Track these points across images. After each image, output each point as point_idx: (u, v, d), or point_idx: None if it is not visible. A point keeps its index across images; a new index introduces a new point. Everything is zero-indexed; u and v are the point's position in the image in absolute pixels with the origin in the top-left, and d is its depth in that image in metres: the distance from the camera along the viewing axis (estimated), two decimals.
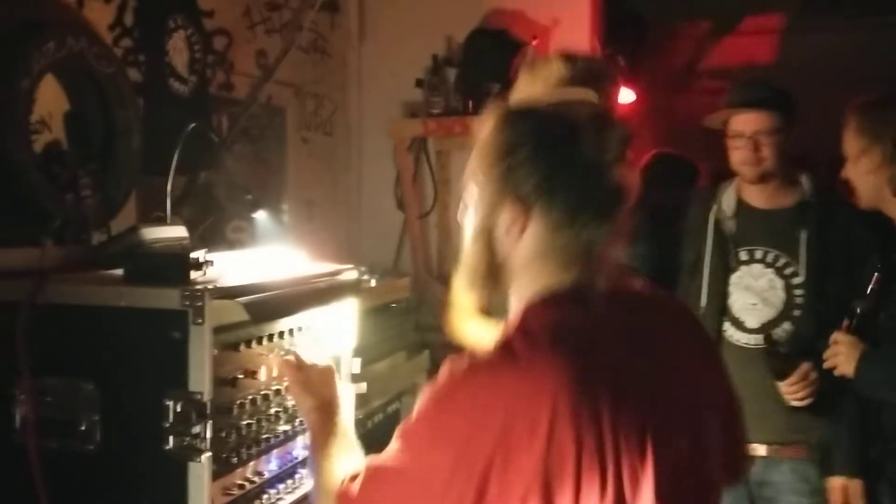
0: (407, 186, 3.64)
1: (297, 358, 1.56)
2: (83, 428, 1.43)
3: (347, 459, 1.35)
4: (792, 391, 2.25)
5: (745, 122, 2.38)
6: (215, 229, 2.62)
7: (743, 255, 2.43)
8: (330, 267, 1.82)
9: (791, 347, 2.31)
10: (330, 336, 1.79)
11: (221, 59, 2.98)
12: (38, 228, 1.99)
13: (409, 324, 2.39)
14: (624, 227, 1.22)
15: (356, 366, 1.89)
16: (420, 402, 1.18)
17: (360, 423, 1.90)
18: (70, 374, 1.44)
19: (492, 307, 1.49)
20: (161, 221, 1.87)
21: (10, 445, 1.43)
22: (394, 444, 1.19)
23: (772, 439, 2.34)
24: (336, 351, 1.82)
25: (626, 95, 3.58)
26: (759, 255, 2.42)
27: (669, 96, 4.47)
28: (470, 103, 3.40)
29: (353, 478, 1.23)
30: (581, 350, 1.13)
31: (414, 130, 3.56)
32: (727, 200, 2.49)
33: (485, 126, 1.26)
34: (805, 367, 2.24)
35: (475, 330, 2.14)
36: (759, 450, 2.35)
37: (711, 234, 2.45)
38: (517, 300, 1.24)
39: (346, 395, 1.83)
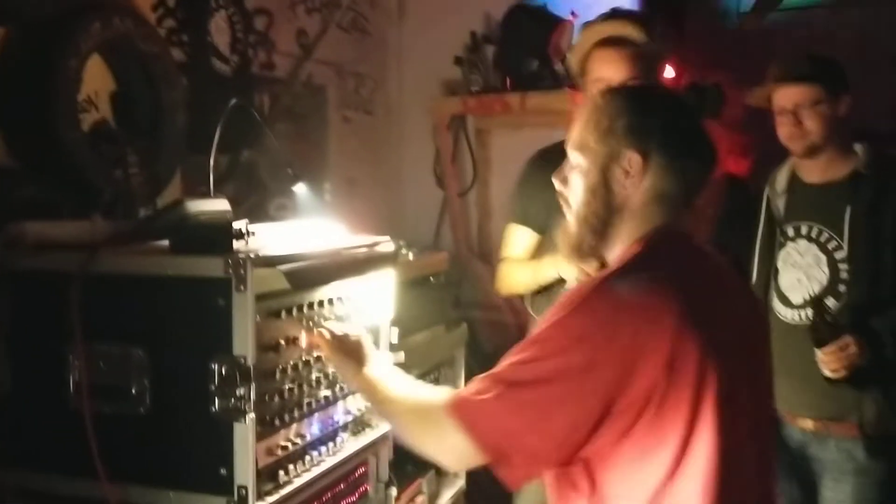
0: (446, 164, 3.66)
1: (330, 331, 1.61)
2: (134, 392, 1.50)
3: (420, 388, 1.48)
4: (828, 360, 2.21)
5: (786, 96, 2.34)
6: (259, 206, 2.69)
7: (790, 231, 2.41)
8: (367, 238, 1.86)
9: (838, 318, 2.27)
10: (368, 306, 1.83)
11: (263, 39, 3.03)
12: (87, 203, 2.08)
13: (447, 298, 2.42)
14: (710, 182, 1.48)
15: (394, 335, 1.93)
16: (551, 315, 1.34)
17: None
18: (121, 340, 1.50)
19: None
20: (205, 196, 1.91)
21: (65, 410, 1.50)
22: (517, 356, 1.33)
23: (819, 415, 2.33)
24: (374, 320, 1.86)
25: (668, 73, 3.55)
26: (804, 230, 2.39)
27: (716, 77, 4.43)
28: (508, 80, 3.40)
29: (468, 389, 1.35)
30: (683, 277, 1.36)
31: (453, 109, 3.58)
32: (780, 177, 2.47)
33: (589, 104, 1.50)
34: (847, 339, 2.19)
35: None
36: (807, 424, 2.35)
37: (763, 211, 2.45)
38: (621, 244, 1.45)
39: (385, 358, 1.89)
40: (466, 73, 3.50)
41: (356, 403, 1.81)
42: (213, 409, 1.45)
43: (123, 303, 1.51)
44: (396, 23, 3.73)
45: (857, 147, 2.37)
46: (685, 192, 1.45)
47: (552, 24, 3.37)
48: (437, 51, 3.61)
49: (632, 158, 1.41)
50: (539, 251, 2.42)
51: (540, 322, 1.37)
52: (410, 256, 2.21)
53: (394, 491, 1.97)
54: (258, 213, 2.59)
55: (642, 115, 1.43)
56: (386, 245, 1.89)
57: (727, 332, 1.38)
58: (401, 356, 1.99)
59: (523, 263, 2.43)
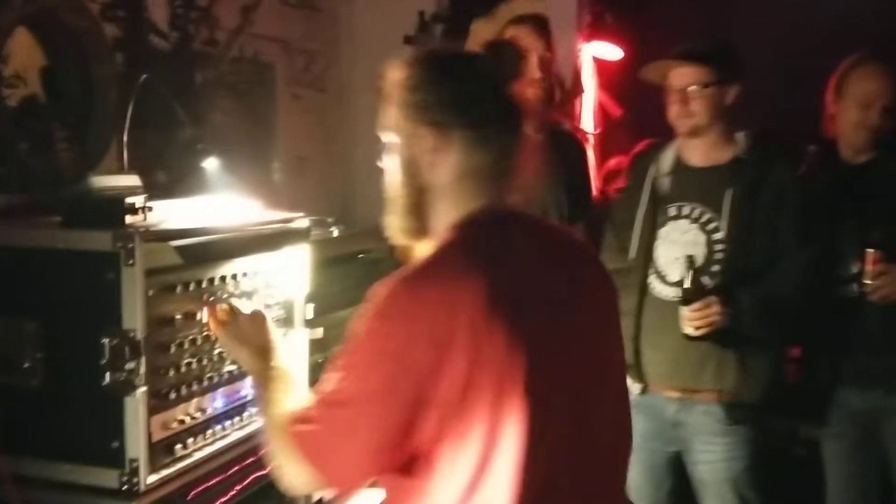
0: None
1: (228, 308, 1.58)
2: (27, 365, 1.50)
3: (291, 399, 1.42)
4: (692, 318, 2.30)
5: (677, 76, 2.39)
6: (199, 184, 2.69)
7: (671, 211, 2.47)
8: (280, 215, 1.87)
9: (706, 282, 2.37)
10: (280, 282, 1.84)
11: (205, 15, 3.00)
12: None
13: (376, 274, 2.42)
14: (528, 151, 1.39)
15: (309, 312, 1.93)
16: (355, 328, 1.30)
17: (320, 368, 1.95)
18: (14, 313, 1.51)
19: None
20: (119, 171, 1.91)
21: None
22: (335, 373, 1.31)
23: (685, 386, 2.42)
24: (287, 296, 1.87)
25: (612, 53, 3.55)
26: (686, 210, 2.45)
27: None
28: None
29: (300, 415, 1.33)
30: (492, 263, 1.29)
31: None
32: (665, 158, 2.53)
33: (392, 73, 1.41)
34: (712, 298, 2.30)
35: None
36: (674, 394, 2.44)
37: (648, 190, 2.51)
38: (441, 225, 1.38)
39: (297, 340, 1.90)
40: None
41: None
42: (104, 383, 1.46)
43: (16, 276, 1.52)
44: None
45: (738, 136, 2.44)
46: (497, 163, 1.36)
47: (501, 3, 3.36)
48: (390, 29, 3.59)
49: (431, 135, 1.34)
50: None
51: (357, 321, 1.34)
52: (335, 233, 2.21)
53: None
54: (198, 191, 2.59)
55: (435, 87, 1.35)
56: (299, 221, 1.90)
57: (550, 314, 1.33)
58: (318, 332, 2.00)
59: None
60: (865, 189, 2.46)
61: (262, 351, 1.53)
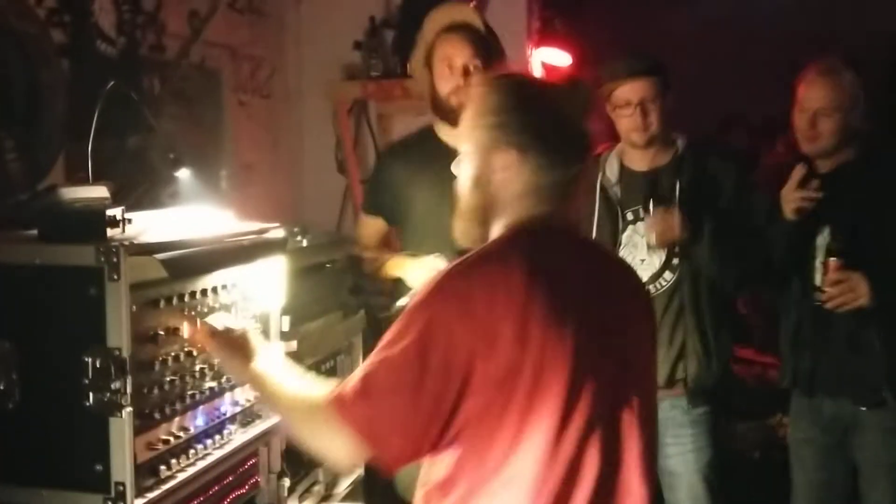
0: (347, 150, 3.62)
1: (211, 326, 1.58)
2: (2, 387, 1.42)
3: (296, 385, 1.47)
4: (652, 223, 2.49)
5: (633, 91, 2.53)
6: (150, 194, 2.60)
7: (629, 216, 2.62)
8: (255, 225, 1.82)
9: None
10: (257, 294, 1.79)
11: (152, 20, 2.92)
12: None
13: (344, 284, 2.39)
14: (588, 174, 1.57)
15: (285, 324, 1.89)
16: (411, 301, 1.41)
17: None
18: None
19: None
20: (83, 182, 1.84)
21: None
22: (382, 342, 1.39)
23: (659, 385, 2.47)
24: (264, 309, 1.83)
25: (560, 59, 3.61)
26: (642, 213, 2.61)
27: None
28: (408, 66, 3.38)
29: (341, 389, 1.38)
30: (536, 258, 1.41)
31: (353, 93, 3.54)
32: (610, 167, 2.67)
33: (477, 91, 1.54)
34: (674, 210, 2.49)
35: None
36: None
37: (599, 199, 2.64)
38: (499, 230, 1.50)
39: (273, 352, 1.86)
40: (366, 57, 3.47)
41: (245, 394, 1.77)
42: (88, 404, 1.39)
43: None
44: (294, 5, 3.66)
45: (679, 138, 2.64)
46: (559, 187, 1.48)
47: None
48: (337, 34, 3.57)
49: (509, 154, 1.45)
50: (401, 243, 2.65)
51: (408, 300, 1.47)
52: (304, 243, 2.17)
53: (287, 482, 1.94)
54: (150, 201, 2.51)
55: (520, 112, 1.47)
56: (275, 232, 1.86)
57: (590, 318, 1.43)
58: (293, 345, 1.96)
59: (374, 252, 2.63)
60: (832, 197, 2.42)
61: (251, 356, 1.55)
